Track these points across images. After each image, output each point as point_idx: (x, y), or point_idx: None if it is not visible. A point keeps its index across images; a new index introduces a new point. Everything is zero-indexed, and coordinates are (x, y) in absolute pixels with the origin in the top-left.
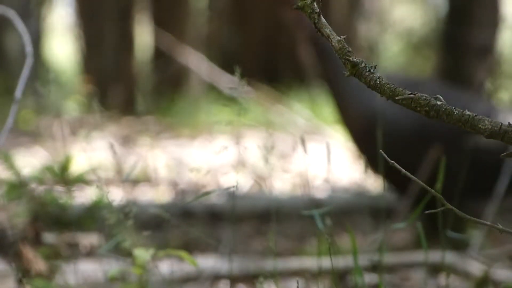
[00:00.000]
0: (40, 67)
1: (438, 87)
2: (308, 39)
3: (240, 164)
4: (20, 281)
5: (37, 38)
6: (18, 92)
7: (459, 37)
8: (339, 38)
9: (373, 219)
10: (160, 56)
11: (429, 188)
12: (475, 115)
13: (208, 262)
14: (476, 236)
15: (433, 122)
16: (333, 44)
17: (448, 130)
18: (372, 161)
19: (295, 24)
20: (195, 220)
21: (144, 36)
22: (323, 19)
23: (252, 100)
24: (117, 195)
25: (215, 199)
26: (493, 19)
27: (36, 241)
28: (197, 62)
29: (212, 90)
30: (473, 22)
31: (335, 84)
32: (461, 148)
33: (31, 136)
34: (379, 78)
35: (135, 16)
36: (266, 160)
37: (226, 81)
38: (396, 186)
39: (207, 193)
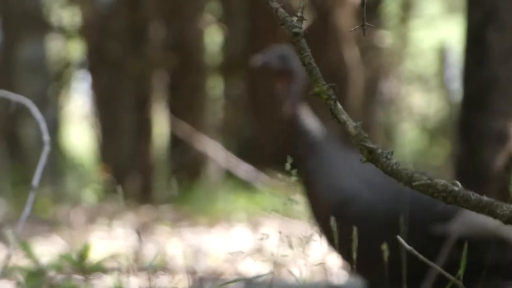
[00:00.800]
0: (58, 155)
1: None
2: (286, 116)
3: (258, 252)
4: None
5: (54, 127)
6: (35, 181)
7: (475, 124)
8: (355, 124)
9: None
10: (177, 144)
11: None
12: (493, 201)
13: None
14: None
15: (404, 209)
16: (350, 130)
17: (420, 217)
18: (337, 244)
19: (283, 97)
20: None
21: (160, 124)
22: (339, 105)
23: (268, 187)
24: (134, 284)
25: (232, 286)
26: (509, 106)
27: None
28: (213, 150)
29: (229, 177)
30: (489, 109)
31: (306, 163)
32: (431, 236)
33: (49, 224)
34: (395, 164)
35: (151, 104)
36: (284, 247)
37: (243, 168)
38: (364, 272)
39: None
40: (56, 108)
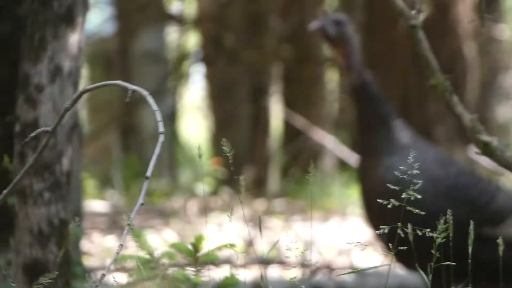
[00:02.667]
0: (174, 147)
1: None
2: (355, 83)
3: (372, 244)
4: None
5: (171, 118)
6: (149, 171)
7: None
8: (471, 116)
9: None
10: (292, 137)
11: None
12: None
13: None
14: None
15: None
16: (465, 122)
17: (471, 216)
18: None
19: (346, 65)
20: None
21: (276, 116)
22: (456, 98)
23: None
24: (248, 275)
25: (346, 277)
26: None
27: None
28: (329, 142)
29: (344, 171)
30: None
31: (372, 133)
32: (481, 236)
33: (163, 215)
34: (510, 157)
35: (267, 96)
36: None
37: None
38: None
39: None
40: (173, 99)
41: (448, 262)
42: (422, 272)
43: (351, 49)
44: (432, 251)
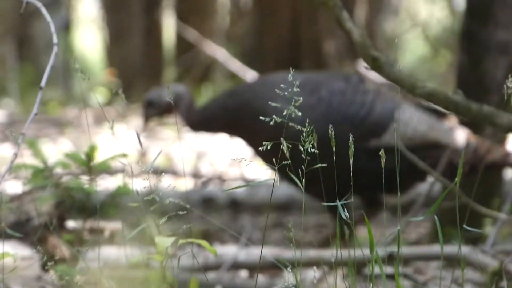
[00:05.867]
0: (68, 57)
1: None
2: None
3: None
4: (44, 266)
5: (65, 29)
6: (43, 81)
7: (478, 35)
8: (360, 32)
9: (390, 214)
10: (185, 50)
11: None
12: (494, 111)
13: (228, 251)
14: (491, 230)
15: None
16: (355, 38)
17: (352, 132)
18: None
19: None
20: (216, 210)
21: (167, 29)
22: (345, 14)
23: None
24: (140, 184)
25: (236, 190)
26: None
27: (61, 227)
28: (220, 56)
29: (235, 82)
30: (491, 20)
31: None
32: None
33: (58, 125)
34: (398, 71)
35: (160, 9)
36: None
37: (249, 76)
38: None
39: (236, 187)
40: (68, 11)
41: (319, 165)
42: (294, 176)
43: (181, 107)
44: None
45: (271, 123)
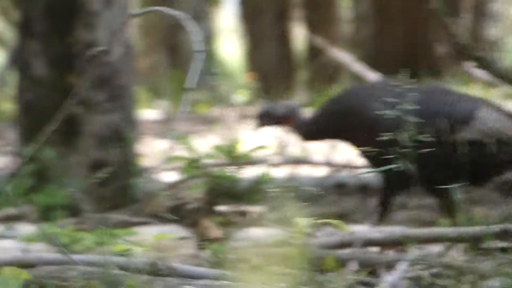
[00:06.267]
0: (212, 64)
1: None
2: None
3: None
4: (199, 245)
5: (209, 38)
6: (190, 83)
7: None
8: (465, 36)
9: (499, 193)
10: (314, 55)
11: None
12: None
13: (360, 230)
14: None
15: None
16: (460, 41)
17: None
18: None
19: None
20: (348, 194)
21: (299, 36)
22: (452, 20)
23: None
24: (279, 172)
25: (366, 175)
26: None
27: (211, 211)
28: (345, 59)
29: (358, 83)
30: None
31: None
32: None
33: (206, 123)
34: (503, 68)
35: (292, 18)
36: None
37: (371, 75)
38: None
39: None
40: (210, 22)
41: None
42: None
43: (295, 119)
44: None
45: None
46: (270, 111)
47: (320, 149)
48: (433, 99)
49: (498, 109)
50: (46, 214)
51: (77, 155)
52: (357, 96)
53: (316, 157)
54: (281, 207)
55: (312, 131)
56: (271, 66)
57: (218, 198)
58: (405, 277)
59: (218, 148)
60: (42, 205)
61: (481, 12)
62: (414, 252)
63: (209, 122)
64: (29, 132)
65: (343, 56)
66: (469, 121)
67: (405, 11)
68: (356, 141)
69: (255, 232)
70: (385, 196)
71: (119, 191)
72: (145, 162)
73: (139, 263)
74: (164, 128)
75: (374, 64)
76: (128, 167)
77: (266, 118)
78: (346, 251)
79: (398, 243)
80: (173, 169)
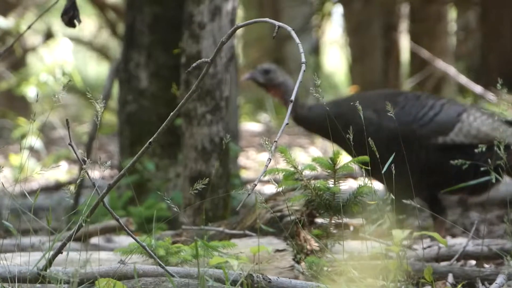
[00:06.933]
0: (316, 76)
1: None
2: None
3: None
4: (296, 258)
5: (314, 51)
6: (293, 95)
7: None
8: None
9: None
10: (418, 67)
11: None
12: None
13: (458, 243)
14: None
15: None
16: None
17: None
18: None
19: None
20: (447, 208)
21: (403, 49)
22: None
23: (496, 103)
24: (377, 185)
25: None
26: None
27: (310, 223)
28: (450, 72)
29: (465, 95)
30: None
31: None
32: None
33: (308, 136)
34: None
35: (397, 31)
36: None
37: (475, 87)
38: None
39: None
40: (316, 36)
41: None
42: None
43: (283, 90)
44: None
45: None
46: (272, 72)
47: None
48: (418, 102)
49: (485, 113)
50: (144, 226)
51: (178, 167)
52: (351, 103)
53: None
54: (379, 220)
55: (307, 118)
56: (376, 78)
57: (317, 210)
58: None
59: (317, 160)
60: (140, 217)
61: None
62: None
63: (311, 135)
64: (131, 144)
65: (447, 68)
66: (455, 124)
67: (511, 22)
68: (344, 145)
69: (353, 245)
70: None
71: (218, 203)
72: (246, 174)
73: (235, 275)
74: (263, 140)
75: (479, 76)
76: (228, 179)
77: (263, 76)
78: (443, 264)
79: (495, 257)
80: (272, 181)
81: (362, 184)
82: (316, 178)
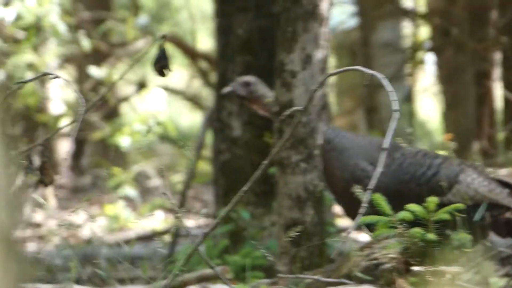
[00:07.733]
0: (412, 122)
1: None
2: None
3: None
4: None
5: (408, 98)
6: (386, 143)
7: None
8: None
9: None
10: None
11: None
12: None
13: None
14: None
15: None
16: None
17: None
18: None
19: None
20: None
21: (497, 95)
22: None
23: None
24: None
25: None
26: None
27: (406, 271)
28: None
29: None
30: None
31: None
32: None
33: None
34: None
35: (490, 79)
36: None
37: None
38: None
39: None
40: (409, 83)
41: None
42: None
43: (264, 102)
44: None
45: None
46: (253, 85)
47: None
48: (415, 160)
49: (483, 173)
50: (240, 275)
51: (272, 216)
52: (345, 148)
53: None
54: (477, 267)
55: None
56: (470, 125)
57: (413, 258)
58: None
59: (411, 207)
60: (236, 266)
61: None
62: None
63: None
64: (225, 192)
65: None
66: (452, 184)
67: None
68: (330, 184)
69: None
70: None
71: (314, 251)
72: (340, 222)
73: None
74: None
75: None
76: (323, 227)
77: (244, 88)
78: None
79: None
80: (366, 229)
81: (457, 232)
82: (412, 224)
